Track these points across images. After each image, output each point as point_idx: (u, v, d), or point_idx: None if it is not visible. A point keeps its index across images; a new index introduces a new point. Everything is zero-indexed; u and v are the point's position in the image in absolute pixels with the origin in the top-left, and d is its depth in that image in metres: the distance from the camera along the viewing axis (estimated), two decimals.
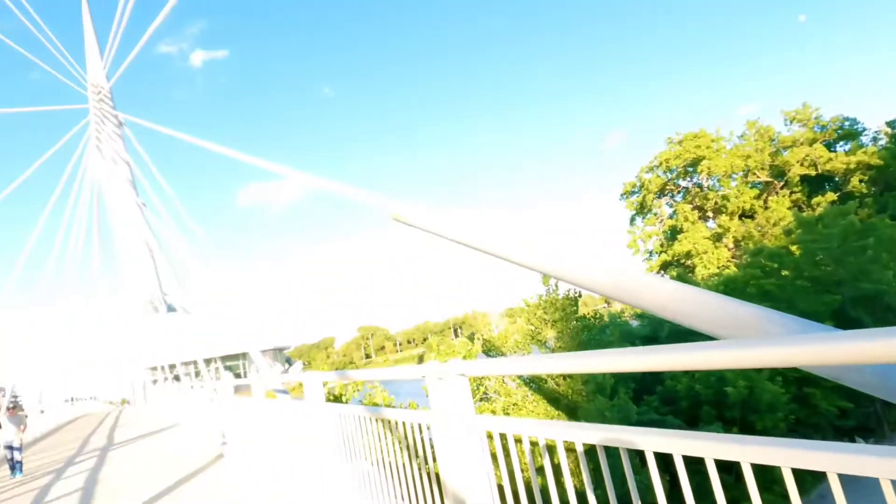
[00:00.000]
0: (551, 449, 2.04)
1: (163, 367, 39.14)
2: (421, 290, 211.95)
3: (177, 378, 35.33)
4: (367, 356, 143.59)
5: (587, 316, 24.38)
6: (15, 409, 11.11)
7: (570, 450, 2.01)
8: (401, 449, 3.29)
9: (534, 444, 2.17)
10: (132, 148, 36.71)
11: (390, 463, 3.41)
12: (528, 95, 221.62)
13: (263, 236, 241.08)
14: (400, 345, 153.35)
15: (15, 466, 10.19)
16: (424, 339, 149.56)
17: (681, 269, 47.17)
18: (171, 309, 46.54)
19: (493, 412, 19.11)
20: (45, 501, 7.07)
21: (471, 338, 31.03)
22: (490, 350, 24.00)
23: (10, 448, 10.12)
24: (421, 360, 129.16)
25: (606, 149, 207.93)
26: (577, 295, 23.67)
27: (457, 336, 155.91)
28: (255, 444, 6.88)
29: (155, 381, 40.25)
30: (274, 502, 5.26)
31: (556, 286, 23.32)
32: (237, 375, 43.97)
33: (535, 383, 21.00)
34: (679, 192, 54.96)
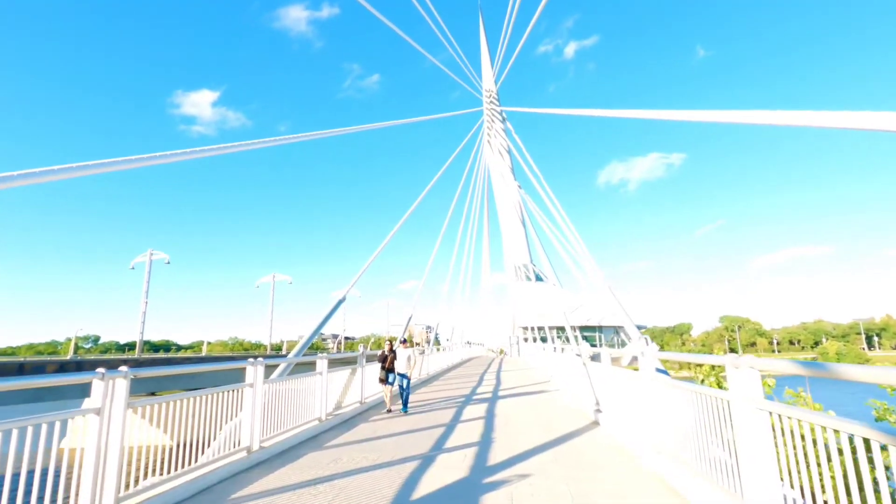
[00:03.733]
0: None
1: (532, 328, 45.23)
2: (809, 280, 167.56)
3: (543, 339, 40.12)
4: (732, 351, 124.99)
5: None
6: (407, 343, 11.40)
7: None
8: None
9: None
10: (512, 139, 42.76)
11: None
12: None
13: (619, 215, 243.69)
14: (778, 344, 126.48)
15: (404, 402, 10.57)
16: (815, 343, 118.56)
17: None
18: (539, 278, 52.82)
19: None
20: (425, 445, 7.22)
21: None
22: None
23: (403, 377, 10.68)
24: None
25: None
26: None
27: (871, 345, 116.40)
28: (631, 418, 6.78)
29: (525, 340, 47.06)
30: (649, 479, 5.02)
31: None
32: (592, 345, 46.12)
33: None
34: None
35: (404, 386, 10.67)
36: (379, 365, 10.83)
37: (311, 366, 8.71)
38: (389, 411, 10.38)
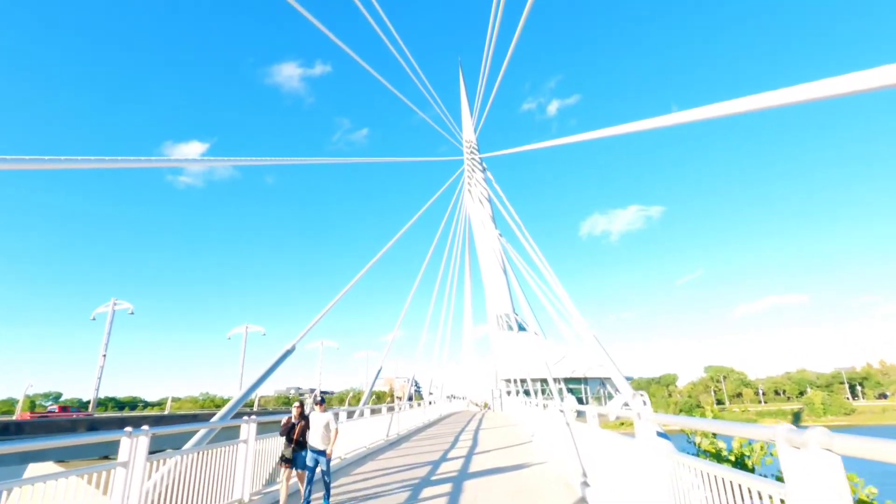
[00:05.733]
0: None
1: (515, 381, 43.28)
2: (788, 330, 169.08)
3: (527, 393, 38.16)
4: (720, 402, 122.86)
5: None
6: (324, 405, 7.88)
7: None
8: None
9: None
10: (492, 187, 42.59)
11: None
12: None
13: (602, 266, 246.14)
14: (763, 394, 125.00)
15: (326, 492, 7.56)
16: (800, 393, 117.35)
17: None
18: (521, 328, 51.34)
19: None
20: None
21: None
22: None
23: (320, 455, 7.45)
24: (797, 418, 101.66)
25: None
26: None
27: (854, 394, 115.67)
28: (628, 498, 5.38)
29: (509, 393, 44.93)
30: None
31: None
32: (579, 400, 44.25)
33: None
34: None
35: (323, 468, 7.46)
36: (284, 439, 7.42)
37: (267, 427, 7.17)
38: None
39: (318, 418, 7.65)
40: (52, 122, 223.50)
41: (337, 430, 7.74)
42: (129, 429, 4.21)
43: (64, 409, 49.02)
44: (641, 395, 4.73)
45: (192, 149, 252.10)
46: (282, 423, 7.60)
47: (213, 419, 8.87)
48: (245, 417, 7.53)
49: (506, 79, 24.94)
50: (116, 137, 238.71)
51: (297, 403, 7.87)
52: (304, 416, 7.64)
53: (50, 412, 47.25)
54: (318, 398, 8.10)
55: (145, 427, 4.56)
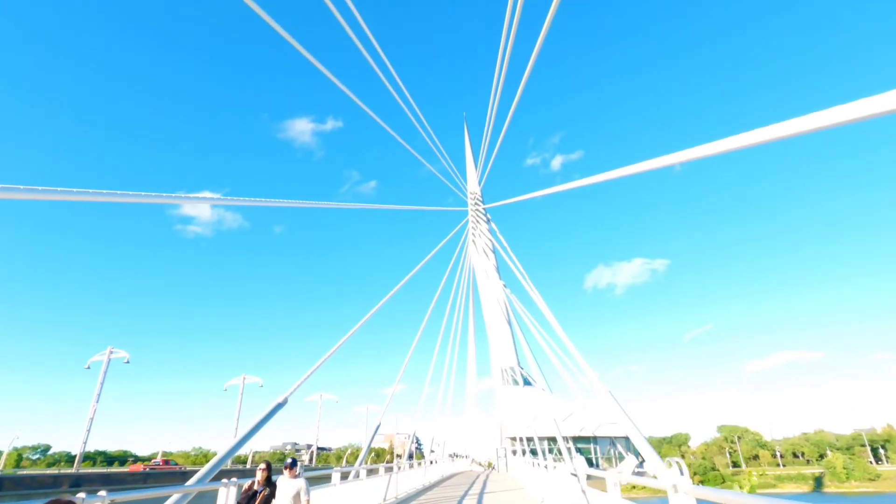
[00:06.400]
0: None
1: (521, 439, 41.28)
2: (801, 388, 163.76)
3: (533, 452, 36.27)
4: (735, 465, 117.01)
5: None
6: (295, 468, 6.71)
7: None
8: None
9: None
10: (497, 238, 42.60)
11: None
12: None
13: (608, 319, 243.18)
14: (782, 457, 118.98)
15: None
16: (820, 456, 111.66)
17: None
18: (527, 382, 49.68)
19: None
20: None
21: None
22: None
23: None
24: (819, 483, 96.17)
25: None
26: None
27: (877, 457, 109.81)
28: None
29: (514, 452, 42.75)
30: None
31: None
32: (589, 461, 42.00)
33: None
34: None
35: None
36: None
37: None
38: None
39: (286, 486, 6.40)
40: (65, 165, 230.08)
41: (308, 501, 6.48)
42: (81, 495, 3.61)
43: (167, 462, 55.03)
44: (678, 461, 4.09)
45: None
46: (242, 489, 6.40)
47: (191, 480, 7.95)
48: (224, 480, 6.77)
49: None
50: (130, 185, 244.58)
51: (261, 465, 6.53)
52: (270, 482, 6.46)
53: (155, 465, 51.87)
54: (289, 461, 6.69)
55: (102, 493, 3.89)
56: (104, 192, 7.79)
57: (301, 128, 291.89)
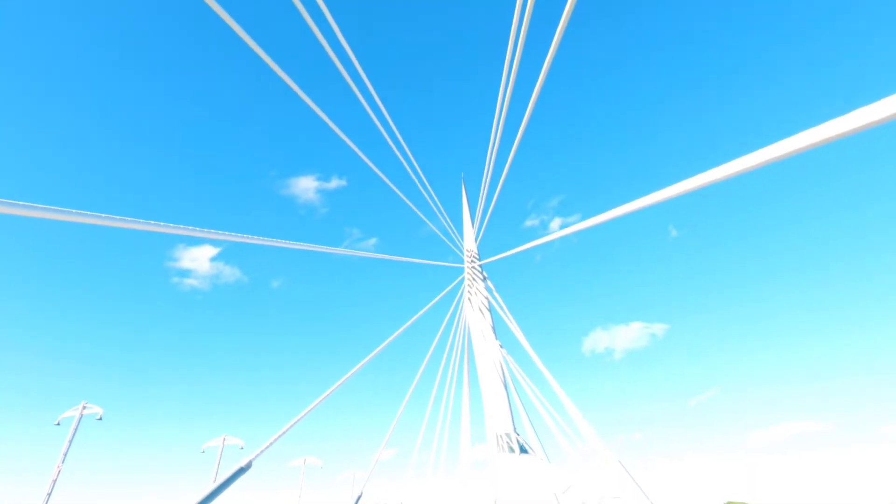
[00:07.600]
0: None
1: None
2: (812, 459, 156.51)
3: None
4: None
5: None
6: None
7: None
8: None
9: None
10: (493, 296, 41.78)
11: None
12: None
13: (607, 384, 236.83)
14: None
15: None
16: None
17: None
18: (523, 450, 46.95)
19: None
20: None
21: None
22: None
23: None
24: None
25: None
26: None
27: None
28: None
29: None
30: None
31: None
32: None
33: None
34: None
35: None
36: None
37: None
38: None
39: None
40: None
41: None
42: None
43: None
44: None
45: (203, 252, 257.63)
46: None
47: None
48: None
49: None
50: (129, 240, 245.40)
51: None
52: None
53: None
54: None
55: None
56: (103, 215, 7.18)
57: (305, 185, 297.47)
